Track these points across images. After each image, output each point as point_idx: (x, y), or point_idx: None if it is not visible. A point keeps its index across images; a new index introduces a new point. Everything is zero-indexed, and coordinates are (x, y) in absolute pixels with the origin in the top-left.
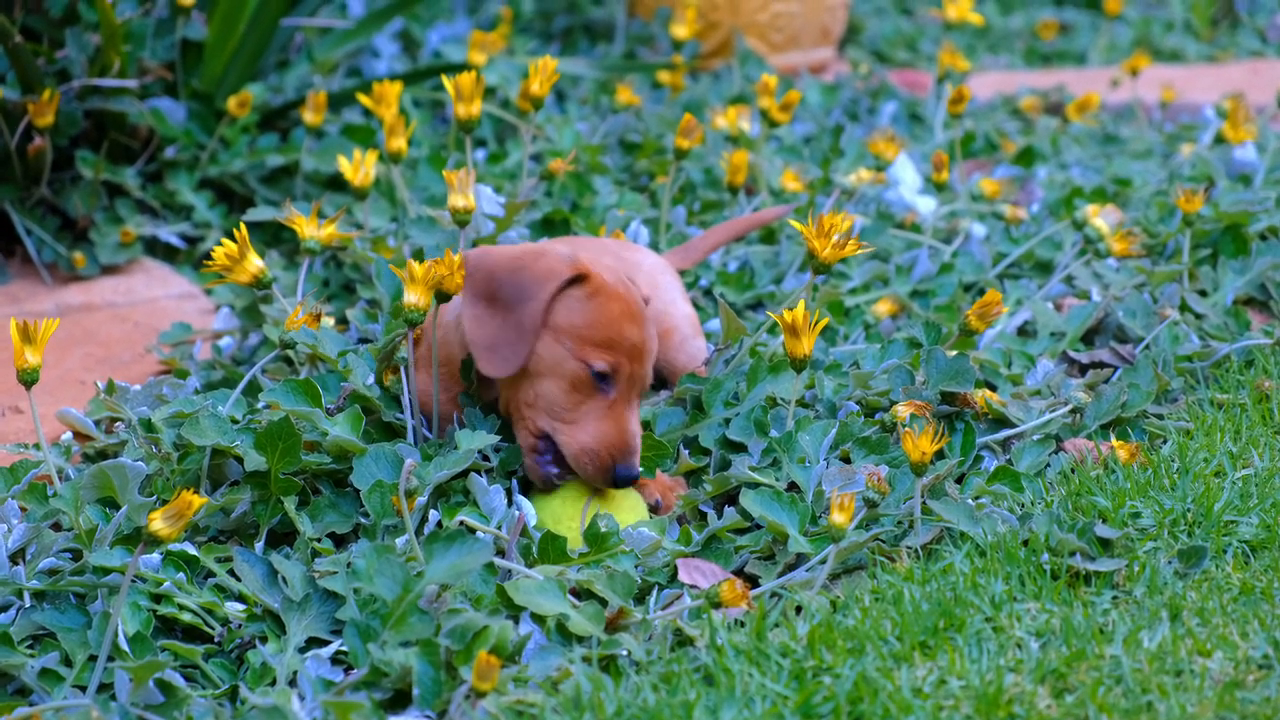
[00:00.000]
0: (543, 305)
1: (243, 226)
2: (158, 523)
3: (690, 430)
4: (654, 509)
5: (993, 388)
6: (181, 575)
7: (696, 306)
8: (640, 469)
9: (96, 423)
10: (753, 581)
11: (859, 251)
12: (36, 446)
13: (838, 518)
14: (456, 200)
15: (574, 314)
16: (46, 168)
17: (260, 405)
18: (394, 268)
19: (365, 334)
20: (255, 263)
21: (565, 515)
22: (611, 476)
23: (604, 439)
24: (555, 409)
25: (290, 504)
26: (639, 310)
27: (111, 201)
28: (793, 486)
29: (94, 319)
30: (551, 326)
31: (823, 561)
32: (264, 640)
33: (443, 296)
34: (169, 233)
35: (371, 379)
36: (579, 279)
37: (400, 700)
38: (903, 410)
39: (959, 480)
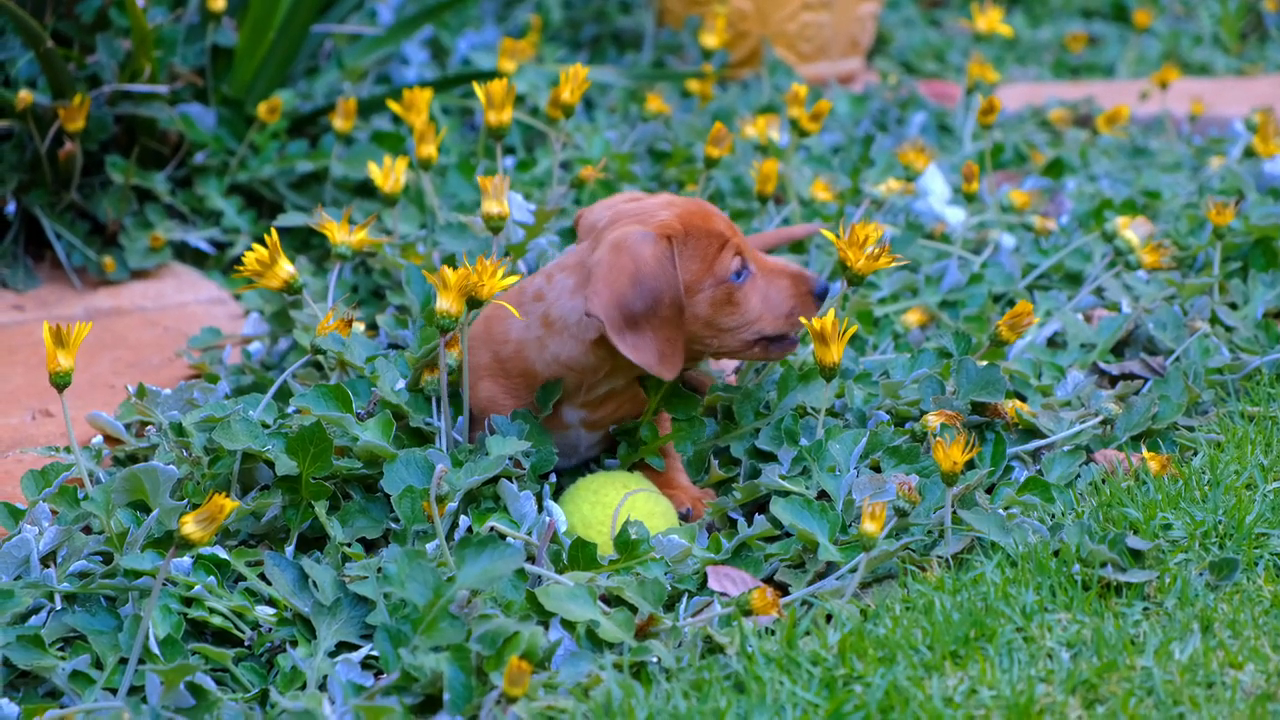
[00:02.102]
0: (681, 287)
1: (274, 232)
2: (189, 526)
3: (721, 441)
4: (684, 518)
5: (1023, 398)
6: (212, 579)
7: None
8: (825, 279)
9: (127, 426)
10: (783, 589)
11: (892, 265)
12: (67, 450)
13: (869, 526)
14: (491, 207)
15: (690, 263)
16: (77, 172)
17: (291, 410)
18: (427, 274)
19: (395, 340)
20: (286, 268)
21: (596, 520)
22: (817, 302)
23: (786, 292)
24: (741, 323)
25: (321, 509)
26: (696, 203)
27: (141, 206)
28: (823, 495)
29: (123, 323)
30: (689, 290)
31: (853, 570)
32: (294, 644)
33: (474, 303)
34: (198, 238)
35: (400, 384)
36: (670, 240)
37: (431, 705)
38: (933, 420)
39: (989, 490)
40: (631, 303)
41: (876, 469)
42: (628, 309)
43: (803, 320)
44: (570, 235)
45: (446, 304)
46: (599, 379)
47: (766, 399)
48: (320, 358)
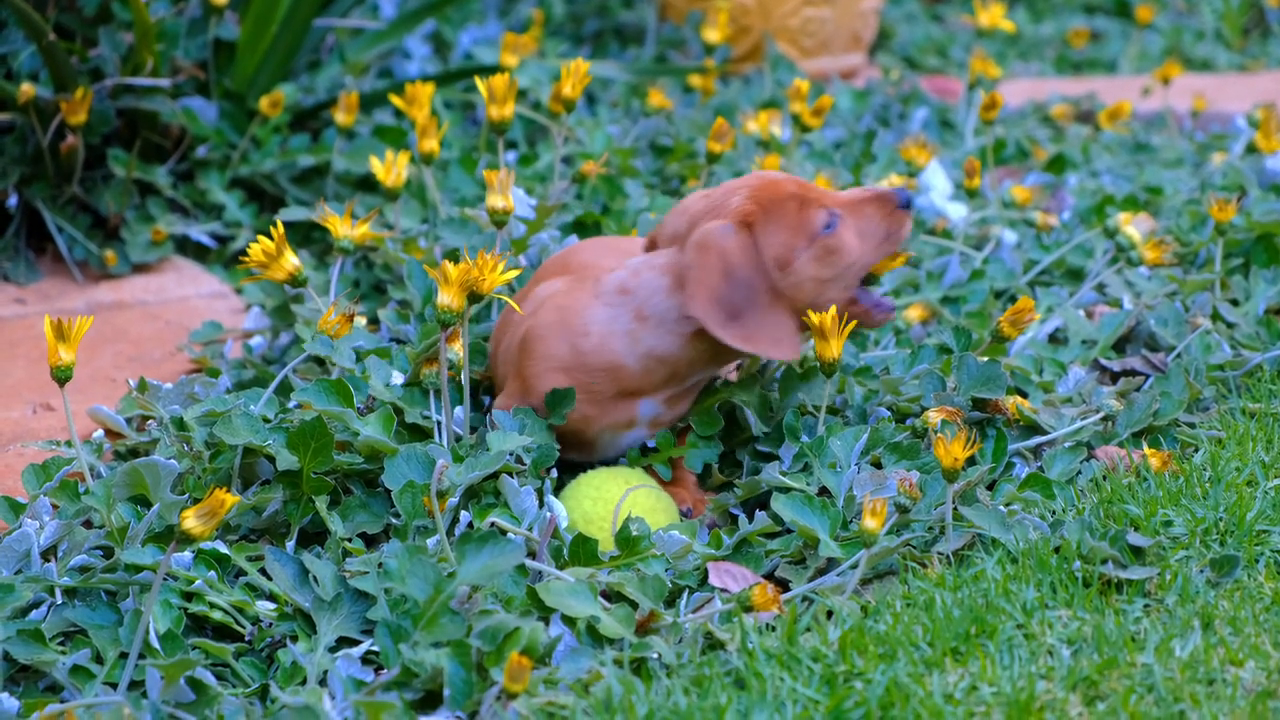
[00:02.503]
0: (764, 272)
1: (279, 224)
2: (190, 521)
3: (727, 445)
4: (684, 515)
5: (1024, 394)
6: (213, 574)
7: None
8: (904, 191)
9: (128, 420)
10: (783, 586)
11: (902, 263)
12: (68, 444)
13: (870, 522)
14: (495, 201)
15: (775, 236)
16: (78, 166)
17: (292, 405)
18: (428, 269)
19: (397, 334)
20: (291, 260)
21: (597, 516)
22: (905, 212)
23: (874, 221)
24: (845, 267)
25: (322, 504)
26: (767, 174)
27: (143, 200)
28: (824, 491)
29: (125, 317)
30: (780, 265)
31: (854, 566)
32: (294, 639)
33: (475, 297)
34: (200, 232)
35: (397, 379)
36: (750, 225)
37: (431, 701)
38: (934, 416)
39: (990, 487)
40: (729, 297)
41: (877, 465)
42: (727, 304)
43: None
44: (570, 229)
45: (448, 299)
46: (696, 370)
47: (770, 399)
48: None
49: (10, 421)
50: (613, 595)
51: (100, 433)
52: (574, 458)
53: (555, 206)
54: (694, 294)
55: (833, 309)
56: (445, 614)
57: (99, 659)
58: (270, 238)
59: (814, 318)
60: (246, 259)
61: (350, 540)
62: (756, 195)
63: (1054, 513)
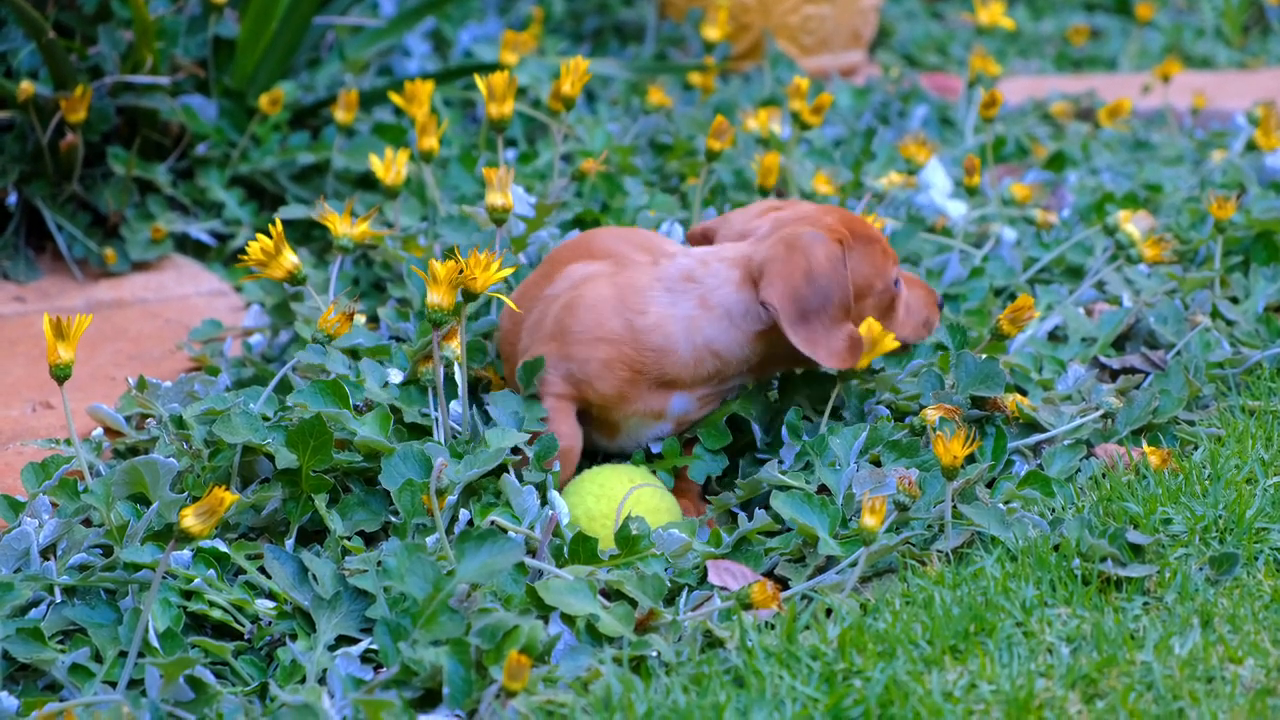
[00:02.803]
0: (845, 290)
1: (278, 222)
2: (189, 519)
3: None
4: None
5: (1023, 392)
6: (212, 572)
7: None
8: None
9: (127, 419)
10: (783, 584)
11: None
12: (68, 442)
13: (869, 520)
14: (495, 199)
15: (862, 267)
16: (78, 164)
17: (291, 403)
18: (415, 269)
19: (396, 332)
20: (290, 258)
21: (600, 514)
22: (940, 311)
23: (925, 302)
24: (890, 328)
25: (321, 502)
26: (847, 212)
27: (142, 198)
28: (823, 489)
29: (124, 315)
30: (859, 293)
31: (853, 564)
32: (294, 638)
33: (469, 295)
34: (200, 230)
35: (393, 376)
36: (842, 243)
37: (430, 699)
38: (933, 414)
39: (989, 485)
40: (806, 297)
41: (877, 463)
42: (802, 303)
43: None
44: (570, 227)
45: (436, 298)
46: (742, 371)
47: (773, 407)
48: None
49: (10, 420)
50: (612, 593)
51: (100, 431)
52: (598, 441)
53: (555, 204)
54: (773, 284)
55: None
56: (444, 612)
57: (98, 657)
58: (270, 236)
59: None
60: (245, 257)
61: (349, 538)
62: (850, 224)
63: (1053, 510)
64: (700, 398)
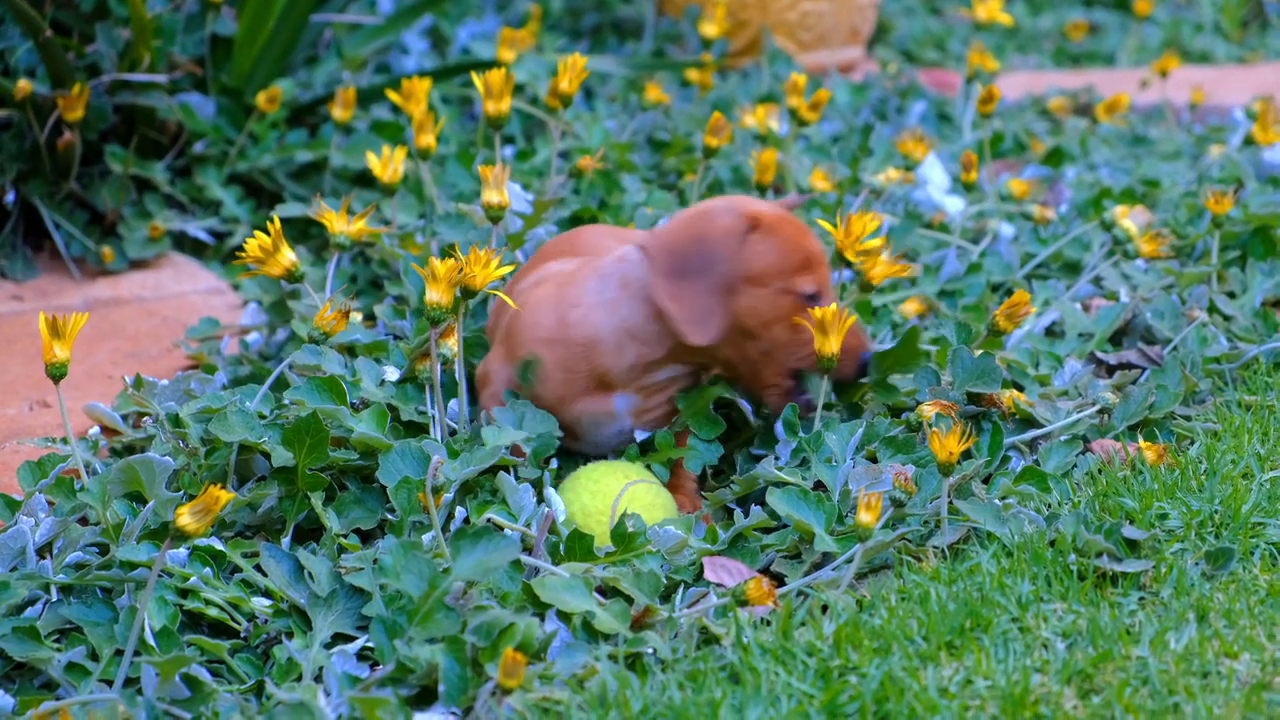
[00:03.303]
0: (732, 264)
1: (276, 219)
2: (185, 518)
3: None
4: None
5: (1020, 388)
6: (208, 570)
7: None
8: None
9: (124, 417)
10: (779, 580)
11: (907, 274)
12: (64, 441)
13: (865, 517)
14: (490, 196)
15: (766, 256)
16: (75, 162)
17: (288, 401)
18: (415, 266)
19: (393, 330)
20: (288, 256)
21: (595, 510)
22: (860, 366)
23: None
24: (791, 345)
25: (317, 500)
26: (803, 224)
27: (140, 196)
28: (819, 486)
29: (122, 313)
30: (749, 278)
31: (849, 561)
32: (290, 636)
33: (468, 293)
34: (197, 228)
35: (389, 374)
36: (753, 225)
37: (426, 697)
38: (929, 410)
39: (986, 480)
40: (685, 254)
41: (873, 459)
42: (679, 257)
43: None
44: (567, 224)
45: (436, 295)
46: (658, 358)
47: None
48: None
49: (6, 419)
50: (608, 590)
51: (97, 429)
52: (570, 446)
53: (552, 201)
54: (658, 233)
55: (833, 308)
56: (440, 610)
57: (94, 656)
58: (268, 233)
59: (815, 313)
60: (243, 254)
61: (346, 536)
62: (783, 219)
63: (1049, 506)
64: (642, 388)
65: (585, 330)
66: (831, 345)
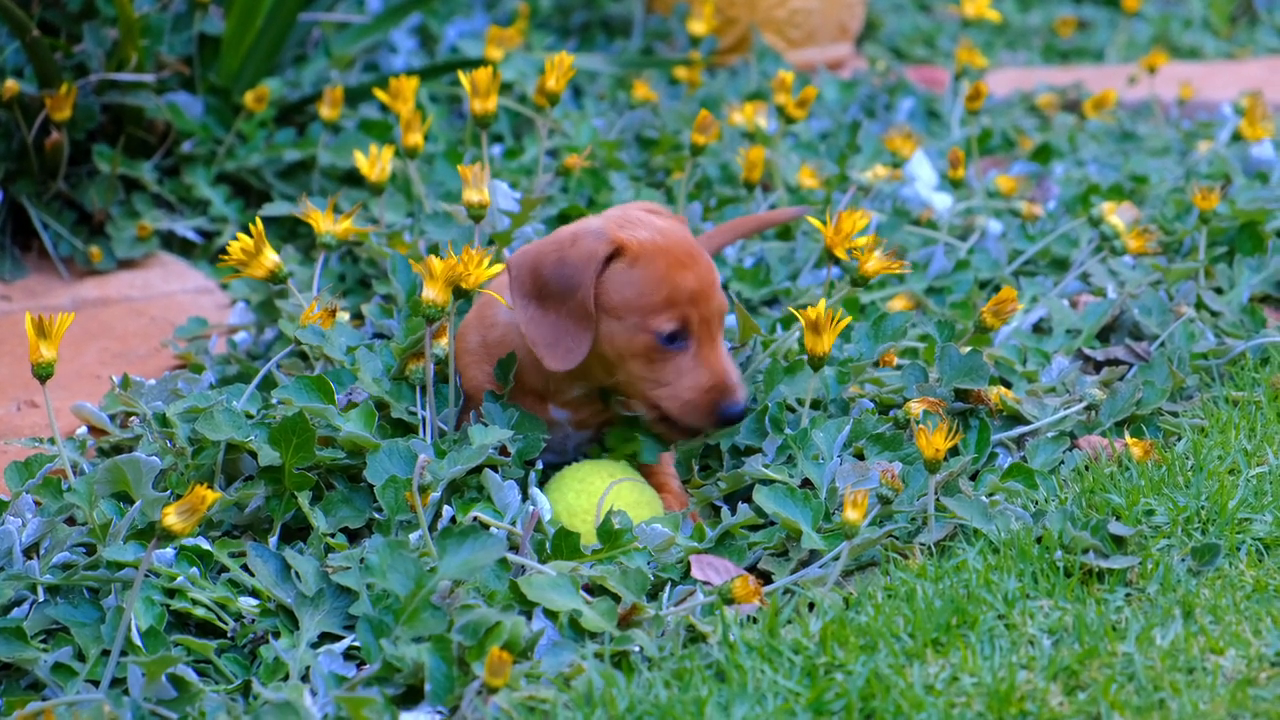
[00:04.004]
0: (590, 291)
1: (259, 221)
2: (171, 517)
3: (711, 439)
4: None
5: (1007, 385)
6: (195, 570)
7: None
8: (745, 402)
9: (111, 417)
10: (766, 578)
11: (900, 270)
12: (51, 441)
13: (851, 514)
14: (471, 195)
15: (624, 289)
16: (63, 162)
17: (275, 400)
18: (413, 263)
19: (381, 329)
20: (271, 257)
21: (580, 509)
22: (718, 417)
23: (699, 386)
24: (647, 381)
25: (304, 499)
26: (687, 254)
27: (128, 196)
28: (806, 483)
29: (110, 313)
30: (607, 308)
31: (836, 558)
32: (277, 635)
33: (460, 292)
34: (185, 227)
35: (380, 372)
36: (617, 253)
37: (413, 696)
38: (916, 407)
39: (973, 477)
40: (546, 276)
41: (860, 456)
42: (540, 278)
43: (793, 312)
44: (555, 223)
45: (433, 293)
46: (560, 377)
47: (755, 393)
48: (305, 348)
49: None
50: (595, 589)
51: (84, 429)
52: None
53: (540, 199)
54: (525, 250)
55: (821, 305)
56: (427, 609)
57: (81, 656)
58: (252, 235)
59: (809, 313)
60: (227, 257)
61: (333, 535)
62: (658, 249)
63: (1036, 503)
64: (566, 403)
65: (502, 351)
66: (824, 345)
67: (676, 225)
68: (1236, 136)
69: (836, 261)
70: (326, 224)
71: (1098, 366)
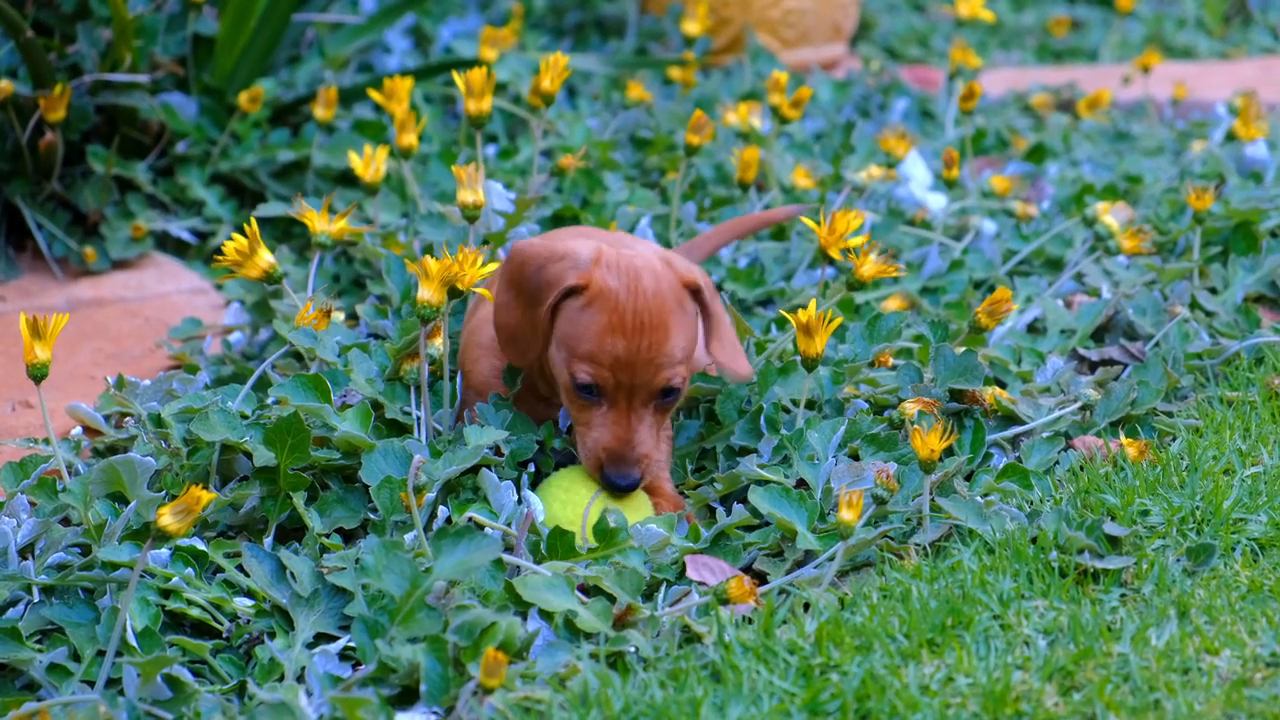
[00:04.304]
0: (547, 311)
1: (253, 221)
2: (167, 518)
3: (707, 443)
4: None
5: (1002, 385)
6: (190, 570)
7: None
8: (636, 477)
9: (106, 418)
10: (761, 578)
11: (896, 273)
12: (46, 441)
13: (846, 515)
14: (466, 196)
15: (568, 324)
16: (58, 162)
17: (270, 400)
18: (408, 264)
19: (376, 329)
20: (265, 258)
21: (565, 520)
22: (602, 479)
23: (599, 444)
24: (572, 411)
25: (299, 499)
26: (638, 321)
27: (122, 196)
28: (801, 484)
29: (104, 314)
30: (556, 334)
31: (831, 558)
32: (272, 636)
33: (455, 292)
34: (180, 228)
35: (374, 372)
36: (578, 289)
37: (408, 696)
38: (911, 407)
39: (968, 477)
40: (526, 277)
41: (855, 457)
42: (522, 276)
43: (784, 314)
44: (550, 223)
45: (428, 294)
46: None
47: (749, 395)
48: (300, 348)
49: None
50: (590, 589)
51: (79, 430)
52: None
53: (534, 200)
54: (530, 241)
55: (812, 307)
56: (422, 609)
57: (76, 657)
58: (247, 235)
59: (801, 315)
60: (221, 257)
61: (328, 536)
62: (607, 300)
63: (1031, 503)
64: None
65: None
66: (816, 346)
67: (666, 288)
68: (1230, 136)
69: (831, 262)
70: (321, 224)
71: (1092, 367)
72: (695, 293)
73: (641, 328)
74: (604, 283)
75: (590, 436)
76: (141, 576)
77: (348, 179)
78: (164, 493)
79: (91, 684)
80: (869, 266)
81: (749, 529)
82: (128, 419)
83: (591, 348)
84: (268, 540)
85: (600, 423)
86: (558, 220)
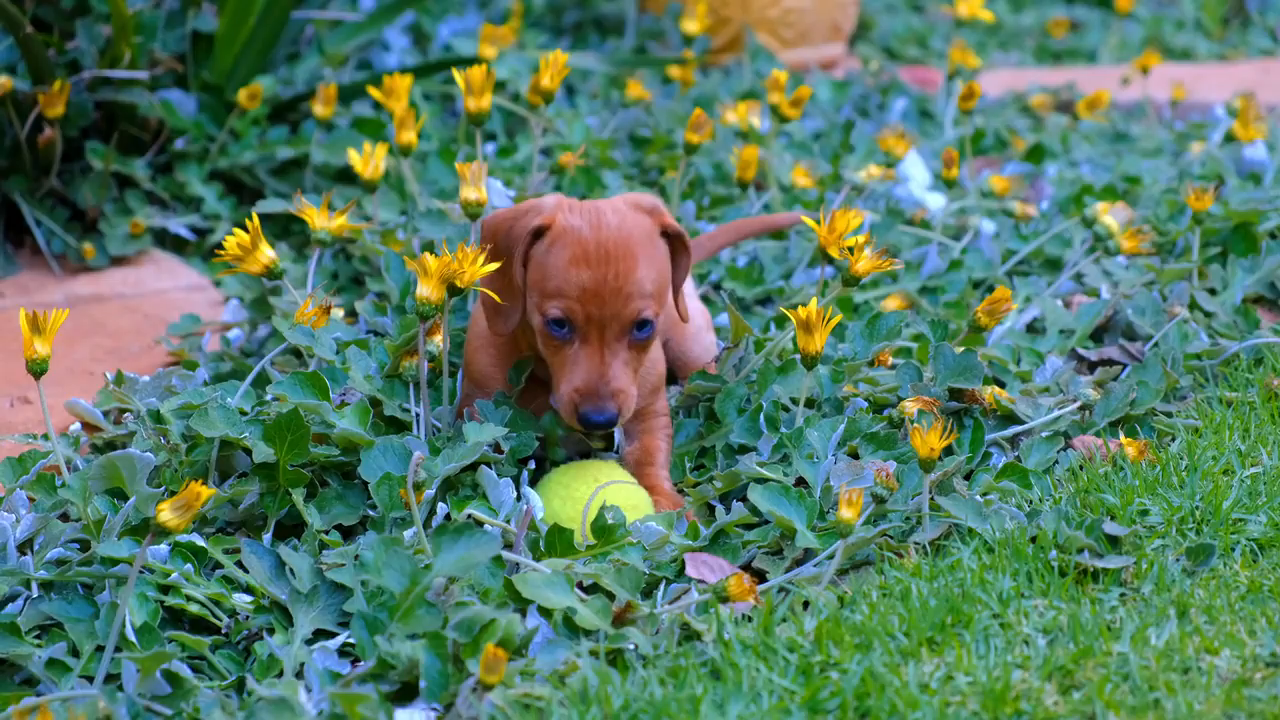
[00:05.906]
0: (519, 262)
1: (255, 217)
2: (166, 514)
3: (706, 441)
4: None
5: (1001, 384)
6: (189, 566)
7: (706, 301)
8: (613, 412)
9: (105, 413)
10: (760, 576)
11: (891, 268)
12: (45, 437)
13: (846, 513)
14: (469, 193)
15: (537, 269)
16: (56, 159)
17: (269, 397)
18: (407, 261)
19: (374, 326)
20: (267, 253)
21: (565, 517)
22: (579, 419)
23: (572, 384)
24: (552, 367)
25: (298, 496)
26: (603, 252)
27: (121, 193)
28: (801, 482)
29: (103, 310)
30: (529, 282)
31: (830, 557)
32: (271, 632)
33: (454, 290)
34: (178, 224)
35: (373, 369)
36: (541, 231)
37: (407, 693)
38: (911, 406)
39: (967, 477)
40: (499, 240)
41: (855, 456)
42: (495, 242)
43: (784, 311)
44: None
45: (427, 291)
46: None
47: (749, 395)
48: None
49: None
50: (589, 586)
51: (77, 426)
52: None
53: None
54: (491, 216)
55: (812, 304)
56: (421, 606)
57: (75, 652)
58: (248, 230)
59: (801, 312)
60: (223, 252)
61: (327, 532)
62: (570, 237)
63: (1031, 502)
64: None
65: (511, 341)
66: (816, 344)
67: (632, 224)
68: (1229, 138)
69: (830, 260)
70: (321, 221)
71: (1091, 367)
72: (671, 235)
73: (607, 257)
74: (566, 221)
75: (563, 379)
76: (140, 572)
77: (346, 176)
78: (163, 489)
79: (90, 679)
80: (864, 262)
81: (748, 527)
82: (126, 415)
83: (559, 282)
84: (267, 536)
85: (574, 361)
86: None
